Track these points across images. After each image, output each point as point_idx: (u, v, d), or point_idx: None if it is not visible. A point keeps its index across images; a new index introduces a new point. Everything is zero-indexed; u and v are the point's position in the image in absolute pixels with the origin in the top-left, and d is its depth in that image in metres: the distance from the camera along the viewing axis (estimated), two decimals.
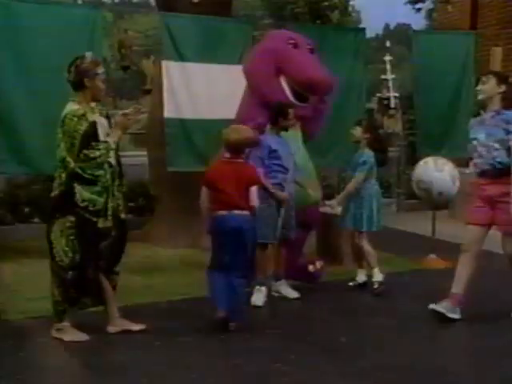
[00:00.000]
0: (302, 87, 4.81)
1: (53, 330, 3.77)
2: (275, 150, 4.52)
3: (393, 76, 14.05)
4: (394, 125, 11.38)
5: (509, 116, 4.12)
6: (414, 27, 10.76)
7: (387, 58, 14.44)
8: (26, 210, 7.19)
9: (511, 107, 4.17)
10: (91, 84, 3.70)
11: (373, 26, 32.17)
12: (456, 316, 4.16)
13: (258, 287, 4.55)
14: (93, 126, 3.64)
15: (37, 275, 5.25)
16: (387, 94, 13.44)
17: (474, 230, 4.25)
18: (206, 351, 3.65)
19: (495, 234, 4.28)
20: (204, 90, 5.85)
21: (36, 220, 7.21)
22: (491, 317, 4.29)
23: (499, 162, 4.11)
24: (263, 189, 4.47)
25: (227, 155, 4.09)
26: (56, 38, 5.40)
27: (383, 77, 14.23)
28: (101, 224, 3.67)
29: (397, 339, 3.88)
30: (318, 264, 5.10)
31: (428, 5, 11.97)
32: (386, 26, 44.98)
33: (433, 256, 5.78)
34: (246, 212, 3.95)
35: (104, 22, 6.03)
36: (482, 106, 4.38)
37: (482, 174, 4.22)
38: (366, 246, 4.93)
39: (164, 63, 5.83)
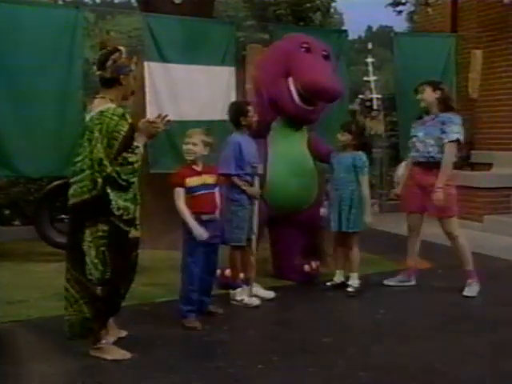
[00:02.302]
0: (307, 92, 4.79)
1: (91, 349, 3.48)
2: (243, 149, 4.48)
3: (375, 78, 14.12)
4: (376, 126, 11.42)
5: (444, 118, 4.79)
6: (396, 30, 10.87)
7: (369, 59, 14.51)
8: (7, 212, 7.12)
9: (446, 110, 4.83)
10: (126, 81, 3.41)
11: (355, 28, 32.40)
12: (411, 283, 5.04)
13: (240, 289, 4.54)
14: (132, 127, 3.35)
15: (17, 278, 5.21)
16: (369, 96, 13.48)
17: (414, 217, 5.01)
18: (188, 353, 3.64)
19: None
20: (186, 91, 5.84)
21: (17, 223, 7.15)
22: (480, 316, 4.34)
23: (432, 157, 4.79)
24: (233, 187, 4.44)
25: None
26: (37, 38, 5.36)
27: (365, 78, 14.28)
28: (131, 234, 3.40)
29: (380, 339, 3.88)
30: (314, 264, 5.12)
31: (409, 7, 12.05)
32: (369, 28, 45.21)
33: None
34: None
35: (85, 22, 6.00)
36: (425, 111, 4.97)
37: (418, 164, 4.90)
38: (357, 249, 4.94)
39: (146, 64, 5.81)
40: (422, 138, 4.85)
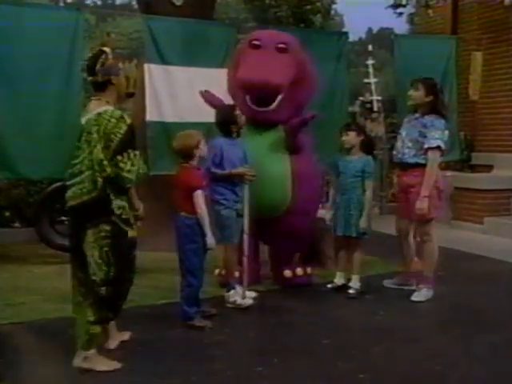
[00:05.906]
0: (241, 90, 4.69)
1: (78, 359, 3.38)
2: (225, 154, 4.44)
3: (375, 80, 14.11)
4: (376, 128, 11.41)
5: (427, 121, 4.59)
6: (397, 32, 10.85)
7: (370, 61, 14.50)
8: (7, 214, 7.12)
9: (432, 113, 4.62)
10: (117, 81, 3.38)
11: (356, 30, 32.52)
12: (411, 285, 4.91)
13: (233, 291, 4.52)
14: (131, 129, 3.31)
15: (17, 280, 5.21)
16: (370, 98, 13.48)
17: (400, 221, 5.01)
18: (188, 355, 3.63)
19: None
20: (187, 93, 5.84)
21: (17, 225, 7.14)
22: (480, 318, 4.33)
23: (405, 158, 4.67)
24: (214, 187, 4.42)
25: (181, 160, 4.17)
26: (37, 40, 5.35)
27: (366, 80, 14.27)
28: (130, 233, 3.39)
29: (381, 341, 3.88)
30: (309, 269, 5.10)
31: (409, 9, 12.04)
32: (369, 30, 45.23)
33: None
34: (186, 214, 4.06)
35: (86, 24, 6.00)
36: (414, 109, 4.82)
37: (397, 164, 4.88)
38: (359, 252, 4.95)
39: (146, 66, 5.81)
40: (403, 138, 4.74)
